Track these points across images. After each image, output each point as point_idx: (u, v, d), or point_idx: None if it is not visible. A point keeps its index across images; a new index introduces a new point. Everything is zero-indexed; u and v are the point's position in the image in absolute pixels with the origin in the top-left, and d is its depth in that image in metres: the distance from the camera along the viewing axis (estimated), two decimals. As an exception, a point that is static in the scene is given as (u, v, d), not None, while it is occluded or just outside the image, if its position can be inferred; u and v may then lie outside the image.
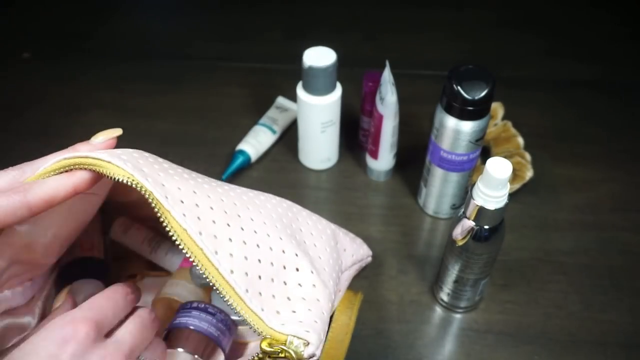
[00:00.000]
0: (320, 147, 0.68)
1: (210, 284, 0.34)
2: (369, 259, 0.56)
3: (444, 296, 0.56)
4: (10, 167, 0.34)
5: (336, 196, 0.68)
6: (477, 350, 0.54)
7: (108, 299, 0.34)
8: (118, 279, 0.52)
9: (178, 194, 0.35)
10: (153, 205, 0.33)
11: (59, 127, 0.76)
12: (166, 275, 0.53)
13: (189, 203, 0.35)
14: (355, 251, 0.51)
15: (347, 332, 0.48)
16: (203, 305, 0.44)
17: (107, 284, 0.48)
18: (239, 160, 0.69)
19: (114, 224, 0.54)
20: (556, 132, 0.75)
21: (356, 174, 0.70)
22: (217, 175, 0.68)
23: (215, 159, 0.71)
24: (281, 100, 0.78)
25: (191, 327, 0.43)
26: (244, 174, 0.70)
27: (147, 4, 1.01)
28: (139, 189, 0.33)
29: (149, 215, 0.51)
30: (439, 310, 0.57)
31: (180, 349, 0.41)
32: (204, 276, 0.34)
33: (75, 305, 0.36)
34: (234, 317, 0.45)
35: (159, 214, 0.33)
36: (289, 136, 0.74)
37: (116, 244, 0.54)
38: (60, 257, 0.43)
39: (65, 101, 0.80)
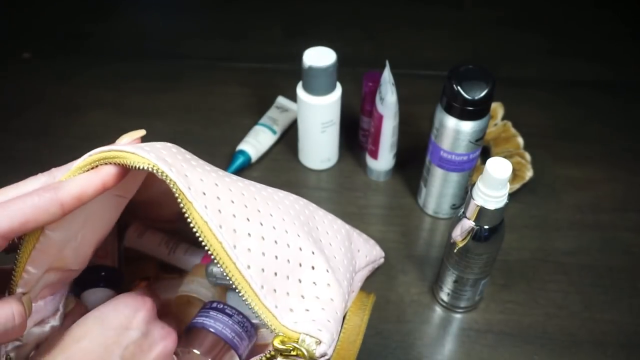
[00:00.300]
0: (320, 147, 0.68)
1: (227, 277, 0.35)
2: (382, 260, 0.56)
3: (444, 296, 0.56)
4: (41, 173, 0.35)
5: (336, 196, 0.68)
6: (477, 350, 0.54)
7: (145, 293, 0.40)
8: (131, 282, 0.52)
9: (200, 185, 0.35)
10: (176, 195, 0.33)
11: (59, 127, 0.76)
12: (179, 277, 0.53)
13: (211, 195, 0.35)
14: (368, 252, 0.51)
15: (358, 333, 0.48)
16: (222, 306, 0.44)
17: (120, 292, 0.48)
18: (240, 160, 0.69)
19: (128, 230, 0.54)
20: (556, 132, 0.75)
21: (356, 174, 0.70)
22: (217, 175, 0.68)
23: (215, 159, 0.71)
24: (281, 100, 0.78)
25: (206, 328, 0.42)
26: (244, 174, 0.70)
27: (146, 3, 1.01)
28: (163, 178, 0.33)
29: (162, 216, 0.51)
30: (439, 310, 0.57)
31: (195, 350, 0.41)
32: (221, 269, 0.35)
33: (86, 310, 0.38)
34: (254, 321, 0.45)
35: (181, 205, 0.33)
36: (289, 136, 0.74)
37: (129, 250, 0.54)
38: (87, 263, 0.43)
39: (65, 101, 0.80)
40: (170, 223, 0.52)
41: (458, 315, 0.56)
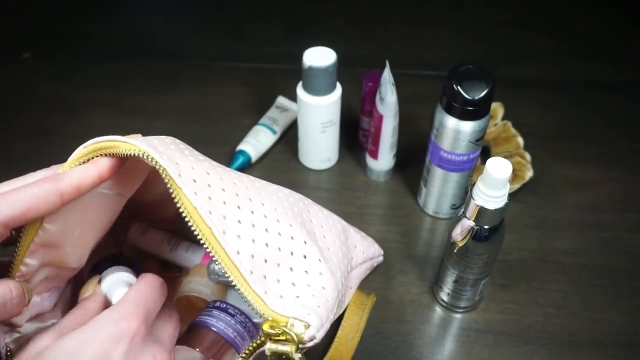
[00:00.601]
0: (320, 147, 0.68)
1: (215, 260, 0.35)
2: (380, 258, 0.56)
3: (444, 296, 0.56)
4: (40, 170, 0.36)
5: (336, 196, 0.68)
6: (477, 350, 0.54)
7: (148, 290, 0.35)
8: None
9: (191, 173, 0.35)
10: (166, 181, 0.34)
11: (59, 127, 0.76)
12: (179, 276, 0.53)
13: (202, 183, 0.35)
14: (366, 249, 0.51)
15: (357, 330, 0.49)
16: (224, 305, 0.44)
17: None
18: (240, 160, 0.69)
19: (131, 228, 0.54)
20: (556, 132, 0.75)
21: (356, 174, 0.70)
22: (217, 175, 0.68)
23: (215, 159, 0.69)
24: (281, 100, 0.78)
25: (208, 327, 0.42)
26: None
27: (146, 3, 1.01)
28: (153, 164, 0.34)
29: (162, 217, 0.51)
30: (439, 310, 0.57)
31: (196, 349, 0.41)
32: (211, 255, 0.35)
33: (103, 300, 0.37)
34: (255, 320, 0.45)
35: (171, 190, 0.34)
36: (289, 136, 0.74)
37: (131, 249, 0.54)
38: (85, 261, 0.43)
39: (64, 101, 0.80)
40: (171, 224, 0.53)
41: (458, 315, 0.56)
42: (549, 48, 0.89)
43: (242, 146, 0.70)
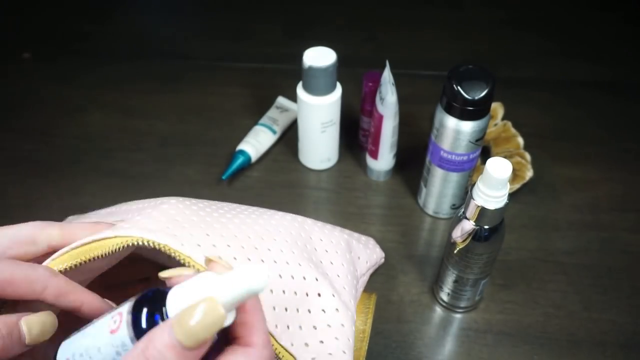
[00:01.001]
0: (320, 147, 0.68)
1: None
2: (382, 260, 0.56)
3: (444, 296, 0.56)
4: (35, 222, 0.35)
5: (336, 196, 0.68)
6: (477, 350, 0.54)
7: None
8: (131, 282, 0.52)
9: (192, 239, 0.35)
10: (174, 255, 0.33)
11: (59, 127, 0.76)
12: None
13: (206, 245, 0.35)
14: (369, 257, 0.51)
15: (363, 338, 0.48)
16: None
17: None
18: (239, 160, 0.69)
19: None
20: (556, 132, 0.75)
21: (356, 174, 0.70)
22: (217, 176, 0.68)
23: (215, 159, 0.71)
24: (281, 100, 0.78)
25: None
26: (244, 174, 0.70)
27: (147, 4, 1.01)
28: (154, 246, 0.33)
29: None
30: (439, 310, 0.57)
31: None
32: None
33: None
34: None
35: (182, 262, 0.33)
36: (289, 136, 0.74)
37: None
38: None
39: (65, 101, 0.80)
40: None
41: (458, 315, 0.56)
42: (549, 48, 0.89)
43: (242, 146, 0.70)
